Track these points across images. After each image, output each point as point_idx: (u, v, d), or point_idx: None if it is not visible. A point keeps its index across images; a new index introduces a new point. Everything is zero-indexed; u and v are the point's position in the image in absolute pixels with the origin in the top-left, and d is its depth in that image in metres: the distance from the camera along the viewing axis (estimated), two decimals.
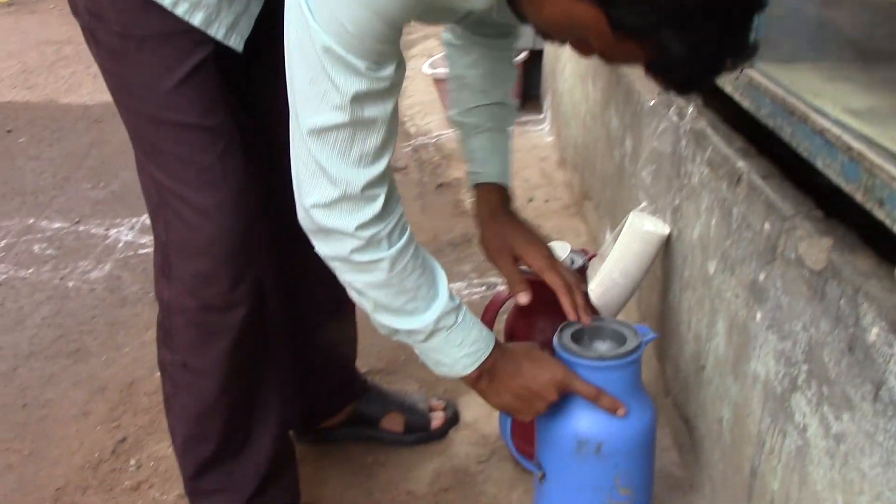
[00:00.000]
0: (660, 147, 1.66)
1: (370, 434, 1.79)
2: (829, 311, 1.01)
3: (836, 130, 1.03)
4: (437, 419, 1.80)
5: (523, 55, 3.65)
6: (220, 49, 1.25)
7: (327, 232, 1.08)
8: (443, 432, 1.80)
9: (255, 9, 1.24)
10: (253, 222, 1.31)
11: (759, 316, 1.23)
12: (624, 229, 1.70)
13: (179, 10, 1.18)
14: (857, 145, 0.97)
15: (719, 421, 1.39)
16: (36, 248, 2.82)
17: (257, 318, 1.36)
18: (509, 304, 1.58)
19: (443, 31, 1.45)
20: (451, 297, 1.17)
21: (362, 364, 2.03)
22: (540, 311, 1.51)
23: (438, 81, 3.69)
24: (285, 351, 1.63)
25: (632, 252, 1.67)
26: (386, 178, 1.08)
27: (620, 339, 1.34)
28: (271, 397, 1.45)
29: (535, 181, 3.05)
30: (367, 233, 1.07)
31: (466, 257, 2.57)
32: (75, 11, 1.22)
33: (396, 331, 1.17)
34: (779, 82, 1.23)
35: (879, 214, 0.92)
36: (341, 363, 1.77)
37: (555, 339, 1.33)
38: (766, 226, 1.20)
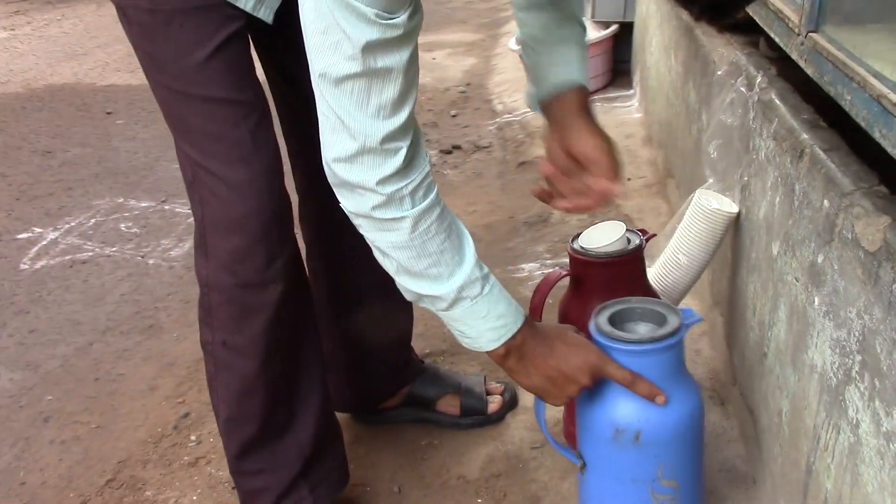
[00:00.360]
0: (725, 120, 1.56)
1: (426, 416, 1.76)
2: (882, 297, 0.92)
3: (893, 97, 0.92)
4: (495, 403, 1.75)
5: (613, 28, 3.54)
6: (253, 21, 1.23)
7: (350, 187, 1.05)
8: (499, 416, 1.75)
9: None
10: (286, 198, 1.29)
11: (817, 301, 1.13)
12: (689, 208, 1.61)
13: None
14: None
15: (779, 413, 1.30)
16: (122, 226, 2.90)
17: (294, 296, 1.35)
18: (564, 284, 1.52)
19: None
20: (479, 265, 1.12)
21: (426, 345, 2.01)
22: (595, 293, 1.45)
23: None
24: (329, 332, 1.61)
25: (697, 232, 1.59)
26: (408, 132, 1.03)
27: (662, 322, 1.26)
28: (313, 378, 1.43)
29: None
30: (389, 189, 1.03)
31: (541, 237, 2.51)
32: None
33: (420, 296, 1.13)
34: (842, 46, 1.12)
35: None
36: (396, 345, 1.74)
37: (590, 321, 1.26)
38: (825, 203, 1.11)
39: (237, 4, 1.20)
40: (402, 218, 1.05)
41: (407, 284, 1.13)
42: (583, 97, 1.31)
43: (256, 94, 1.26)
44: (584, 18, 1.37)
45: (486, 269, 1.13)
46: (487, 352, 1.17)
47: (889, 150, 0.93)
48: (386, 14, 0.95)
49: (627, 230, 1.48)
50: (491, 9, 5.75)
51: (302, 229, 1.59)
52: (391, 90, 0.99)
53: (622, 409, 1.21)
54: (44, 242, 2.83)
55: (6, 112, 4.33)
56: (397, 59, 0.98)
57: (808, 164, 1.19)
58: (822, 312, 1.11)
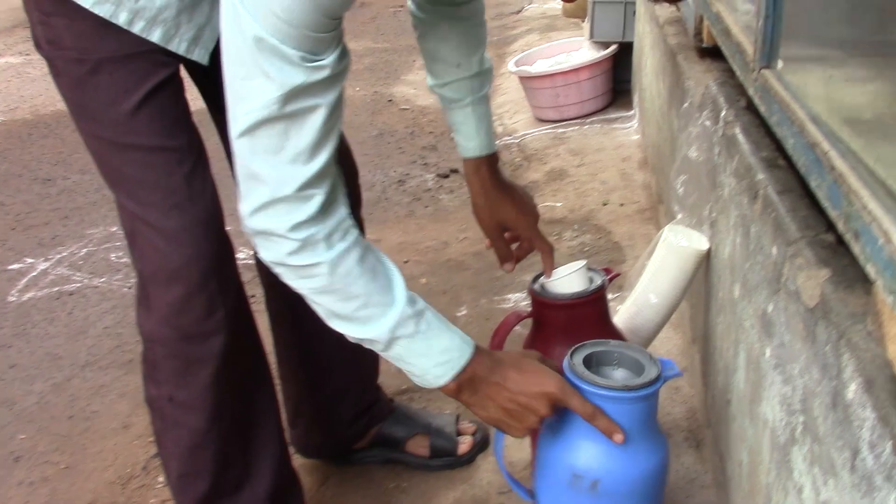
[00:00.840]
0: (690, 154, 1.51)
1: (395, 457, 1.72)
2: (818, 358, 0.87)
3: (825, 146, 0.87)
4: (465, 444, 1.71)
5: (612, 48, 3.49)
6: (189, 61, 1.20)
7: (264, 235, 1.02)
8: (469, 458, 1.70)
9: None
10: (227, 244, 1.26)
11: (768, 352, 1.08)
12: (658, 245, 1.56)
13: (136, 28, 1.14)
14: (840, 165, 0.82)
15: (739, 464, 1.24)
16: (113, 256, 2.89)
17: (240, 346, 1.31)
18: (526, 326, 1.48)
19: (409, 2, 1.39)
20: (411, 303, 1.08)
21: (402, 381, 1.96)
22: (556, 335, 1.40)
23: (524, 79, 3.57)
24: (294, 377, 1.58)
25: (667, 270, 1.54)
26: (326, 177, 1.00)
27: (639, 370, 1.21)
28: (267, 428, 1.40)
29: (613, 183, 2.89)
30: (301, 234, 1.00)
31: (529, 266, 2.43)
32: (37, 45, 1.19)
33: (358, 339, 1.10)
34: (788, 85, 1.07)
35: (855, 249, 0.77)
36: (363, 386, 1.70)
37: (564, 360, 1.21)
38: (774, 250, 1.05)
39: (170, 48, 1.17)
40: (318, 264, 1.02)
41: (340, 328, 1.10)
42: (482, 166, 1.45)
43: (191, 139, 1.23)
44: (483, 82, 1.43)
45: (419, 306, 1.09)
46: (439, 388, 1.13)
47: (821, 202, 0.88)
48: (311, 56, 0.92)
49: (590, 269, 1.44)
50: (500, 27, 5.71)
51: (259, 273, 1.56)
52: (309, 136, 0.96)
53: (583, 454, 1.15)
54: (34, 273, 2.83)
55: (13, 139, 4.35)
56: (320, 101, 0.95)
57: (761, 207, 1.13)
58: (772, 365, 1.06)
